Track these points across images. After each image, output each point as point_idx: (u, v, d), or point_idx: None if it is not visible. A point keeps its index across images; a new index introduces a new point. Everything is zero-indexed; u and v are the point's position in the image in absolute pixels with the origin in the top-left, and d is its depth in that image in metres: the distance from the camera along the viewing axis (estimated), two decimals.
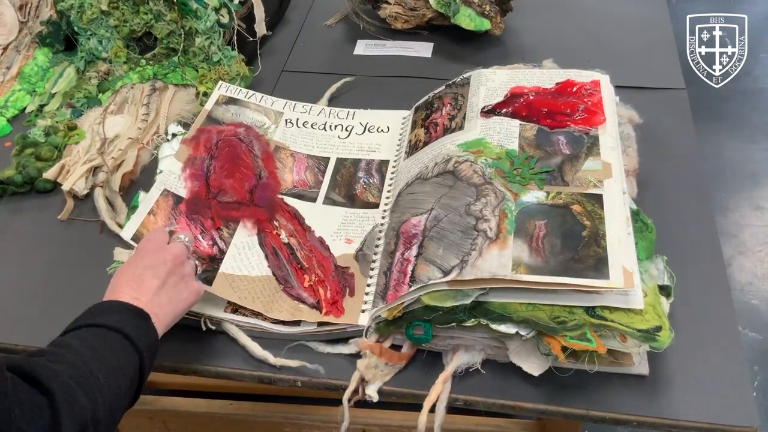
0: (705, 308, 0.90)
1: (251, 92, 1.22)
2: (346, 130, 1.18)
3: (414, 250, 0.88)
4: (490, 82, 1.09)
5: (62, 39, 1.36)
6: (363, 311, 0.89)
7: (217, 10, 1.27)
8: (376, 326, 0.86)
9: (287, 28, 1.52)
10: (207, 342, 0.91)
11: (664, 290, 0.86)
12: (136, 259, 0.84)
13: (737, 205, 2.35)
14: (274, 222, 1.00)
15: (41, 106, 1.30)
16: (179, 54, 1.29)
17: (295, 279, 0.94)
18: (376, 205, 1.04)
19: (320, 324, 0.90)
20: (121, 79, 1.30)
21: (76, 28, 1.32)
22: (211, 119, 1.15)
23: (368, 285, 0.92)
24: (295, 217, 1.02)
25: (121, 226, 1.05)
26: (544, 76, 1.09)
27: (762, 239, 2.25)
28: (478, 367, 0.85)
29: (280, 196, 1.05)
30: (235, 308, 0.91)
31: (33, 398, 0.62)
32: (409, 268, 0.87)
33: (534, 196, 0.90)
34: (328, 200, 1.06)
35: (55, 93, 1.32)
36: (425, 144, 1.05)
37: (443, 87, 1.15)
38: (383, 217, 1.00)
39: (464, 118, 1.05)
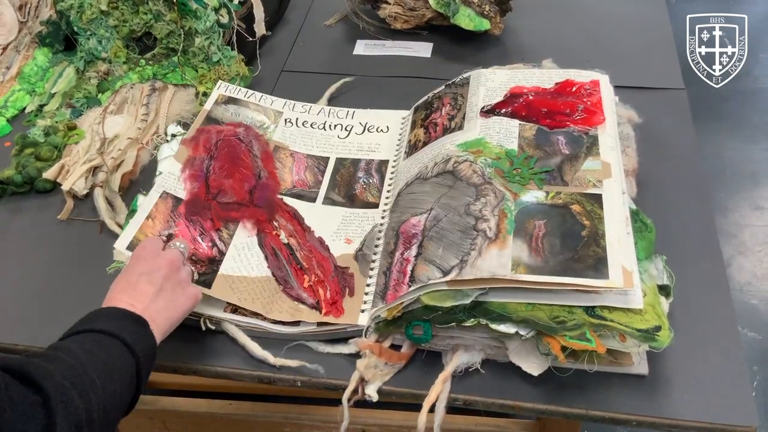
0: (704, 308, 0.90)
1: (251, 92, 1.22)
2: (346, 129, 1.18)
3: (413, 250, 0.88)
4: (490, 82, 1.09)
5: (62, 39, 1.36)
6: (362, 311, 0.89)
7: (216, 10, 1.27)
8: (376, 326, 0.86)
9: (287, 28, 1.52)
10: (207, 342, 0.91)
11: (663, 290, 0.86)
12: (131, 266, 0.84)
13: (737, 205, 2.35)
14: (274, 222, 1.00)
15: (41, 106, 1.30)
16: (179, 54, 1.29)
17: (294, 279, 0.94)
18: (375, 205, 1.04)
19: (320, 324, 0.90)
20: (121, 79, 1.30)
21: (75, 28, 1.32)
22: (210, 119, 1.14)
23: (368, 285, 0.92)
24: (295, 218, 1.02)
25: (120, 226, 1.05)
26: (544, 76, 1.09)
27: (762, 239, 2.25)
28: (478, 366, 0.85)
29: (279, 197, 1.05)
30: (235, 308, 0.91)
31: (27, 398, 0.62)
32: (409, 268, 0.87)
33: (533, 195, 0.90)
34: (328, 200, 1.06)
35: (54, 93, 1.32)
36: (425, 144, 1.05)
37: (443, 87, 1.15)
38: (383, 217, 1.00)
39: (464, 118, 1.05)
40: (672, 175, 1.08)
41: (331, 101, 1.28)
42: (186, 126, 1.19)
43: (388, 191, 1.05)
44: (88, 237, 1.06)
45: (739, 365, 0.85)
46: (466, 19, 1.36)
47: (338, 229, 1.02)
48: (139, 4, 1.27)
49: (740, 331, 1.96)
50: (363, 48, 1.44)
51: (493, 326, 0.81)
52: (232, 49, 1.30)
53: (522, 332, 0.80)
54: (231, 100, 1.19)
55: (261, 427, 1.52)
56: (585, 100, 1.02)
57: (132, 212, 1.01)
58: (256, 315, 0.90)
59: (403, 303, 0.83)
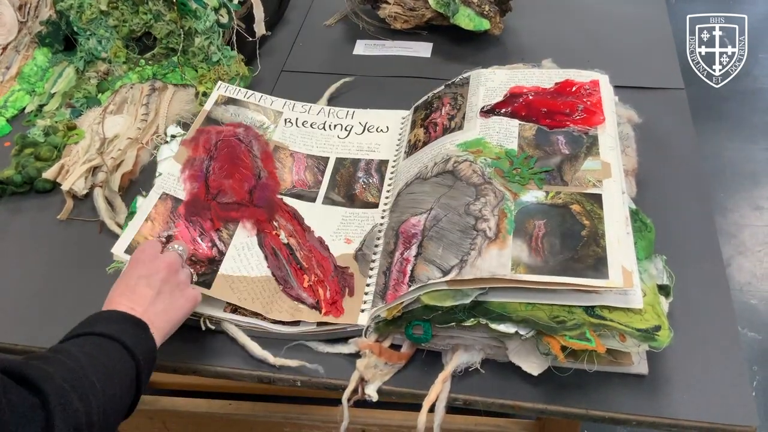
0: (704, 308, 0.90)
1: (250, 92, 1.22)
2: (346, 129, 1.18)
3: (413, 250, 0.88)
4: (490, 82, 1.09)
5: (61, 39, 1.36)
6: (362, 311, 0.89)
7: (216, 10, 1.27)
8: (376, 326, 0.86)
9: (286, 28, 1.52)
10: (206, 342, 0.91)
11: (663, 290, 0.86)
12: (129, 269, 0.84)
13: (737, 205, 2.35)
14: (274, 222, 1.00)
15: (40, 106, 1.30)
16: (178, 54, 1.29)
17: (294, 279, 0.94)
18: (375, 205, 1.04)
19: (320, 324, 0.90)
20: (121, 79, 1.30)
21: (75, 28, 1.32)
22: (210, 120, 1.14)
23: (368, 285, 0.92)
24: (295, 218, 1.02)
25: (120, 226, 1.05)
26: (544, 76, 1.09)
27: (761, 239, 2.25)
28: (478, 366, 0.85)
29: (279, 197, 1.05)
30: (235, 308, 0.91)
31: (26, 400, 0.62)
32: (409, 267, 0.87)
33: (533, 195, 0.90)
34: (328, 200, 1.06)
35: (54, 93, 1.32)
36: (425, 144, 1.05)
37: (442, 87, 1.15)
38: (383, 217, 1.00)
39: (463, 117, 1.05)
40: (672, 175, 1.08)
41: (331, 101, 1.28)
42: (185, 126, 1.19)
43: (388, 191, 1.05)
44: (88, 237, 1.06)
45: (738, 365, 0.85)
46: (466, 19, 1.36)
47: (338, 228, 1.02)
48: (138, 4, 1.27)
49: (740, 331, 1.96)
50: (363, 48, 1.44)
51: (493, 326, 0.81)
52: (232, 49, 1.30)
53: (522, 332, 0.80)
54: (231, 101, 1.19)
55: (261, 427, 1.52)
56: (585, 100, 1.02)
57: (131, 214, 1.01)
58: (255, 315, 0.90)
59: (402, 303, 0.83)
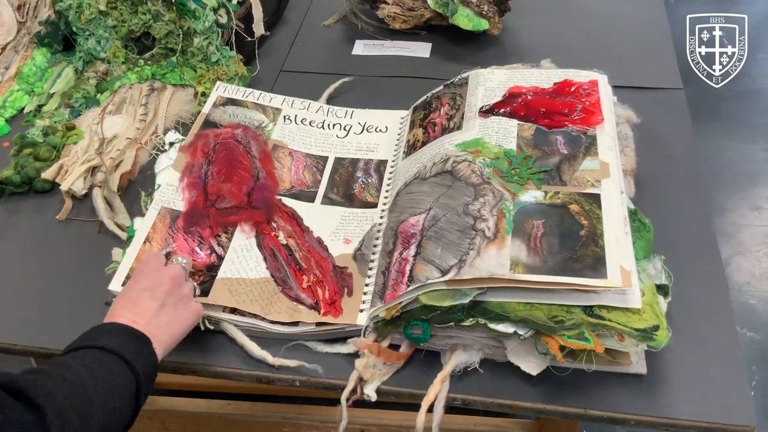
0: (703, 307, 0.90)
1: (249, 90, 1.22)
2: (345, 129, 1.18)
3: (412, 250, 0.88)
4: (489, 82, 1.09)
5: (60, 39, 1.36)
6: (361, 311, 0.89)
7: (215, 11, 1.27)
8: (375, 326, 0.86)
9: (285, 28, 1.52)
10: (205, 341, 0.91)
11: (661, 289, 0.86)
12: (133, 282, 0.84)
13: (736, 205, 2.35)
14: (272, 223, 1.00)
15: (39, 107, 1.30)
16: (177, 54, 1.29)
17: (293, 280, 0.94)
18: (374, 205, 1.04)
19: (318, 324, 0.90)
20: (120, 79, 1.30)
21: (74, 28, 1.32)
22: (208, 123, 1.14)
23: (366, 285, 0.92)
24: (294, 218, 1.02)
25: (119, 226, 1.05)
26: (542, 76, 1.09)
27: (760, 239, 2.25)
28: (476, 366, 0.85)
29: (278, 197, 1.05)
30: (234, 308, 0.91)
31: (23, 416, 0.61)
32: (408, 267, 0.87)
33: (532, 195, 0.90)
34: (327, 200, 1.06)
35: (53, 93, 1.32)
36: (423, 144, 1.05)
37: (441, 87, 1.15)
38: (381, 217, 1.00)
39: (462, 117, 1.05)
40: (670, 175, 1.08)
41: (330, 101, 1.28)
42: (185, 127, 1.19)
43: (387, 191, 1.05)
44: (87, 237, 1.06)
45: (737, 365, 0.85)
46: (465, 19, 1.36)
47: (337, 228, 1.02)
48: (137, 5, 1.27)
49: (739, 331, 1.96)
50: (362, 48, 1.45)
51: (492, 326, 0.81)
52: (231, 49, 1.30)
53: (520, 332, 0.80)
54: (229, 101, 1.19)
55: (260, 427, 1.52)
56: (583, 100, 1.02)
57: (129, 239, 0.99)
58: (254, 315, 0.90)
59: (401, 303, 0.83)
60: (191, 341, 0.90)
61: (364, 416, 1.45)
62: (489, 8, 1.36)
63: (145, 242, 0.96)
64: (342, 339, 0.89)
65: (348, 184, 1.09)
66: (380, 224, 0.99)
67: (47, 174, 1.12)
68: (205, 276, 0.93)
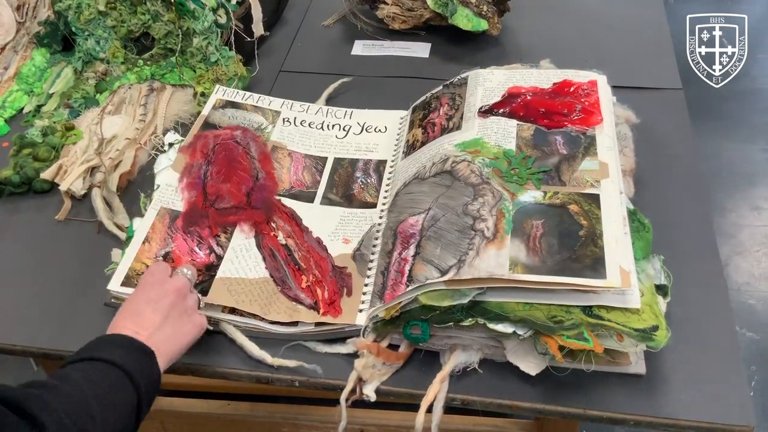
0: (702, 308, 0.90)
1: (248, 93, 1.22)
2: (344, 129, 1.18)
3: (411, 250, 0.88)
4: (488, 83, 1.09)
5: (60, 39, 1.36)
6: (360, 311, 0.89)
7: (214, 11, 1.27)
8: (374, 326, 0.86)
9: (285, 28, 1.52)
10: (204, 342, 0.90)
11: (660, 290, 0.86)
12: (137, 293, 0.83)
13: (735, 206, 2.35)
14: (272, 223, 1.00)
15: (39, 107, 1.30)
16: (177, 54, 1.29)
17: (292, 280, 0.94)
18: (373, 205, 1.04)
19: (318, 324, 0.90)
20: (119, 79, 1.30)
21: (73, 29, 1.32)
22: (208, 125, 1.15)
23: (366, 285, 0.92)
24: (293, 218, 1.02)
25: (118, 227, 1.05)
26: (542, 77, 1.09)
27: (760, 239, 2.25)
28: (476, 366, 0.85)
29: (277, 197, 1.05)
30: (233, 308, 0.91)
31: (23, 431, 0.61)
32: (407, 267, 0.87)
33: (531, 195, 0.90)
34: (326, 200, 1.06)
35: (52, 93, 1.32)
36: (423, 144, 1.05)
37: (441, 87, 1.15)
38: (381, 217, 1.00)
39: (462, 118, 1.05)
40: (669, 175, 1.09)
41: (329, 101, 1.28)
42: (184, 127, 1.18)
43: (386, 191, 1.05)
44: (86, 237, 1.06)
45: (736, 365, 0.85)
46: (464, 20, 1.36)
47: (336, 229, 1.02)
48: (137, 5, 1.27)
49: (738, 331, 1.96)
50: (361, 48, 1.45)
51: (491, 326, 0.81)
52: (230, 50, 1.30)
53: (520, 332, 0.80)
54: (229, 104, 1.19)
55: (259, 428, 1.52)
56: (583, 100, 1.02)
57: (128, 239, 0.98)
58: (254, 315, 0.90)
59: (400, 303, 0.83)
60: None
61: (363, 416, 1.45)
62: (488, 8, 1.36)
63: (144, 242, 0.96)
64: (341, 339, 0.89)
65: (347, 184, 1.09)
66: (379, 224, 0.99)
67: (46, 174, 1.12)
68: (204, 276, 0.93)
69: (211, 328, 0.90)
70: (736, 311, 2.01)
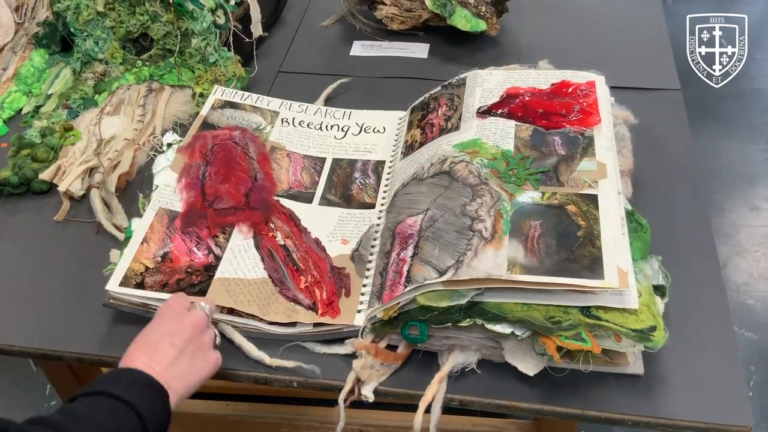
0: (700, 308, 0.91)
1: (247, 94, 1.22)
2: (342, 130, 1.18)
3: (410, 251, 0.88)
4: (486, 83, 1.10)
5: (58, 40, 1.36)
6: (359, 311, 0.90)
7: (213, 12, 1.27)
8: (372, 326, 0.86)
9: (283, 29, 1.52)
10: None
11: (658, 290, 0.86)
12: (154, 324, 0.82)
13: (734, 206, 2.35)
14: (270, 224, 1.00)
15: (37, 107, 1.30)
16: (175, 55, 1.29)
17: (291, 281, 0.94)
18: (372, 206, 1.05)
19: (316, 325, 0.90)
20: (118, 80, 1.30)
21: (72, 29, 1.32)
22: (207, 125, 1.15)
23: (364, 285, 0.92)
24: (291, 219, 1.02)
25: (117, 227, 1.05)
26: (540, 77, 1.09)
27: (758, 240, 2.25)
28: (474, 367, 0.85)
29: (276, 198, 1.05)
30: (231, 309, 0.91)
31: None
32: (405, 268, 0.87)
33: (529, 196, 0.90)
34: (324, 201, 1.06)
35: (51, 94, 1.32)
36: (421, 144, 1.05)
37: (439, 88, 1.15)
38: (379, 218, 1.00)
39: (460, 118, 1.05)
40: (668, 176, 1.09)
41: (328, 102, 1.28)
42: (182, 128, 1.19)
43: (385, 192, 1.05)
44: (85, 238, 1.06)
45: (734, 365, 0.85)
46: (463, 20, 1.36)
47: (335, 229, 1.02)
48: (135, 6, 1.27)
49: (737, 331, 1.96)
50: (360, 49, 1.45)
51: (489, 326, 0.81)
52: (229, 50, 1.30)
53: (518, 332, 0.80)
54: (227, 104, 1.19)
55: (257, 428, 1.52)
56: (581, 100, 1.02)
57: (126, 240, 0.98)
58: (252, 316, 0.90)
59: (399, 303, 0.83)
60: None
61: (361, 417, 1.45)
62: (487, 9, 1.37)
63: (142, 243, 0.96)
64: (339, 340, 0.89)
65: (346, 185, 1.09)
66: (378, 225, 0.99)
67: (45, 175, 1.13)
68: (203, 276, 0.93)
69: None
70: (735, 311, 2.02)
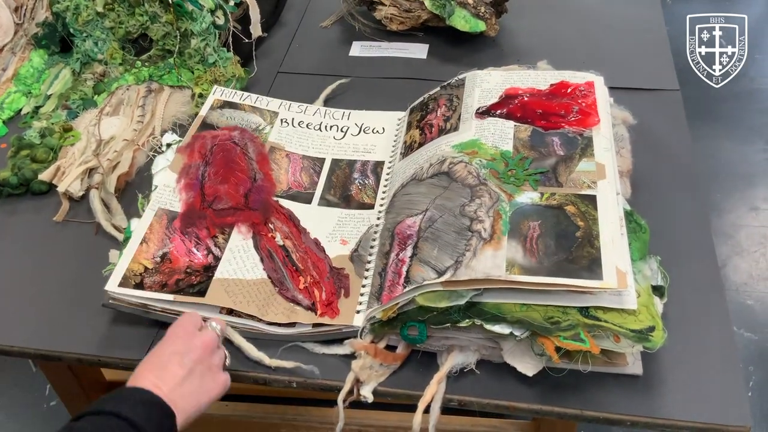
0: (699, 308, 0.91)
1: (246, 94, 1.23)
2: (342, 131, 1.18)
3: (409, 251, 0.89)
4: (485, 84, 1.10)
5: (58, 40, 1.36)
6: (358, 312, 0.90)
7: (212, 12, 1.27)
8: (371, 327, 0.86)
9: (283, 29, 1.52)
10: None
11: (657, 290, 0.86)
12: (164, 343, 0.82)
13: (733, 206, 2.35)
14: (269, 225, 1.00)
15: (37, 108, 1.30)
16: (175, 55, 1.29)
17: (290, 281, 0.94)
18: (371, 206, 1.05)
19: (315, 325, 0.90)
20: (117, 80, 1.30)
21: (71, 30, 1.32)
22: (206, 125, 1.15)
23: (363, 286, 0.92)
24: (290, 219, 1.02)
25: (116, 228, 1.05)
26: (539, 78, 1.09)
27: (758, 240, 2.25)
28: (473, 367, 0.85)
29: (275, 198, 1.05)
30: (231, 309, 0.91)
31: None
32: (404, 268, 0.87)
33: (528, 197, 0.90)
34: (324, 201, 1.06)
35: (50, 94, 1.32)
36: (420, 145, 1.06)
37: (438, 88, 1.15)
38: (378, 218, 1.00)
39: (459, 119, 1.05)
40: (666, 176, 1.09)
41: (327, 102, 1.28)
42: (182, 128, 1.19)
43: (384, 192, 1.06)
44: (84, 238, 1.06)
45: (733, 365, 0.85)
46: (462, 21, 1.36)
47: (334, 230, 1.02)
48: (135, 6, 1.27)
49: (736, 331, 1.97)
50: (359, 49, 1.45)
51: (488, 327, 0.81)
52: (228, 51, 1.31)
53: (516, 333, 0.80)
54: (227, 104, 1.20)
55: (257, 428, 1.52)
56: (580, 101, 1.02)
57: (126, 240, 0.98)
58: (251, 316, 0.90)
59: (398, 304, 0.83)
60: None
61: (361, 417, 1.45)
62: (486, 10, 1.37)
63: (141, 243, 0.96)
64: (339, 340, 0.89)
65: (345, 185, 1.09)
66: (377, 225, 0.99)
67: (44, 175, 1.13)
68: (202, 276, 0.93)
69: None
70: (735, 312, 2.02)
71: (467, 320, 0.81)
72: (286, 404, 1.53)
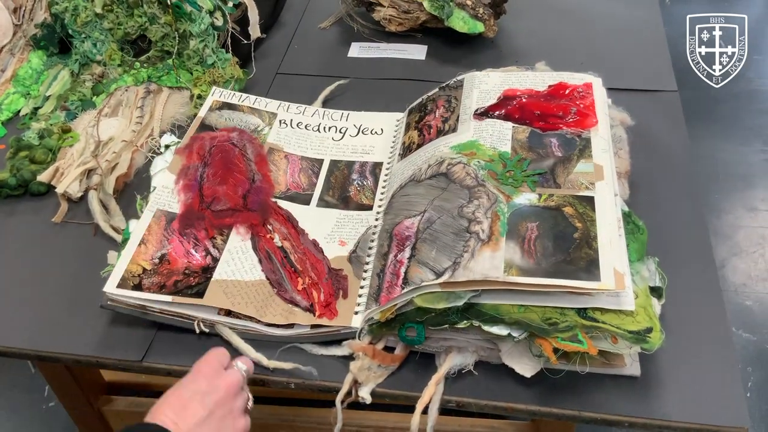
0: (697, 309, 0.91)
1: (245, 95, 1.23)
2: (340, 132, 1.18)
3: (407, 252, 0.89)
4: (483, 85, 1.10)
5: (56, 42, 1.36)
6: (356, 313, 0.90)
7: (211, 13, 1.27)
8: (369, 328, 0.86)
9: (281, 30, 1.52)
10: (201, 344, 0.91)
11: (655, 292, 0.86)
12: (187, 380, 0.80)
13: (731, 207, 2.35)
14: (268, 226, 1.00)
15: (35, 109, 1.30)
16: (173, 57, 1.29)
17: (288, 282, 0.94)
18: (369, 207, 1.05)
19: (314, 326, 0.90)
20: (116, 81, 1.30)
21: (70, 31, 1.32)
22: (204, 126, 1.15)
23: (361, 287, 0.93)
24: (289, 220, 1.02)
25: (115, 229, 1.05)
26: (537, 79, 1.09)
27: (756, 240, 2.25)
28: (471, 368, 0.85)
29: (273, 200, 1.05)
30: (229, 311, 0.91)
31: None
32: (402, 269, 0.87)
33: (526, 198, 0.90)
34: (322, 202, 1.06)
35: (49, 96, 1.32)
36: (419, 146, 1.06)
37: (437, 89, 1.15)
38: (377, 219, 1.01)
39: (457, 120, 1.05)
40: (664, 177, 1.09)
41: (326, 103, 1.28)
42: (180, 129, 1.19)
43: (382, 193, 1.06)
44: (83, 240, 1.06)
45: (731, 366, 0.85)
46: (460, 22, 1.36)
47: (332, 231, 1.02)
48: (133, 7, 1.27)
49: (735, 332, 1.97)
50: (357, 50, 1.45)
51: (486, 328, 0.81)
52: (227, 52, 1.31)
53: (514, 334, 0.80)
54: (225, 106, 1.20)
55: (255, 429, 1.50)
56: (578, 102, 1.02)
57: (124, 242, 0.98)
58: (249, 318, 0.90)
59: (396, 305, 0.83)
60: (186, 345, 0.91)
61: (359, 418, 1.45)
62: (484, 11, 1.37)
63: (140, 244, 0.96)
64: (337, 341, 0.89)
65: (343, 186, 1.09)
66: (375, 226, 0.99)
67: (43, 177, 1.13)
68: (201, 278, 0.93)
69: (207, 330, 0.91)
70: (733, 312, 2.02)
71: (465, 321, 0.81)
72: (285, 405, 1.53)
